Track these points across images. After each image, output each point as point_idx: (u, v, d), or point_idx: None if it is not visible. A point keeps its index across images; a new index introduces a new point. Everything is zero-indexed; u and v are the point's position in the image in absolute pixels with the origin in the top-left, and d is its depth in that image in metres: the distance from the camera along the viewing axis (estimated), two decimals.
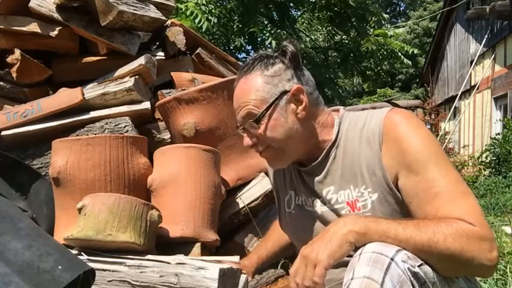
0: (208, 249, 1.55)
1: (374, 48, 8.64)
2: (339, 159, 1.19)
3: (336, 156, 1.19)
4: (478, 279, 1.15)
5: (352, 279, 0.90)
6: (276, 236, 1.44)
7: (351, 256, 0.98)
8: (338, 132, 1.21)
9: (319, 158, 1.21)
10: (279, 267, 1.53)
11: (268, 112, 1.15)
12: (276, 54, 1.21)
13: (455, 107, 10.93)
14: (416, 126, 1.10)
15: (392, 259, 0.90)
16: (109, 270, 1.21)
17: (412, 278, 0.91)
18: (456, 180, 1.04)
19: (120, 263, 1.21)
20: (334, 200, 1.18)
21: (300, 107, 1.18)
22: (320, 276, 0.94)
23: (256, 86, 1.16)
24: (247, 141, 1.21)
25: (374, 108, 1.25)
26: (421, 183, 1.05)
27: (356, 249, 0.96)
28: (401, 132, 1.09)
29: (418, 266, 0.93)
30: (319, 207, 1.22)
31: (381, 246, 0.93)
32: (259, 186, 1.75)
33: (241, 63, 1.73)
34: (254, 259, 1.41)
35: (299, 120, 1.18)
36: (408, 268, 0.91)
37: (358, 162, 1.15)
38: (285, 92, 1.17)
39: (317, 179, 1.22)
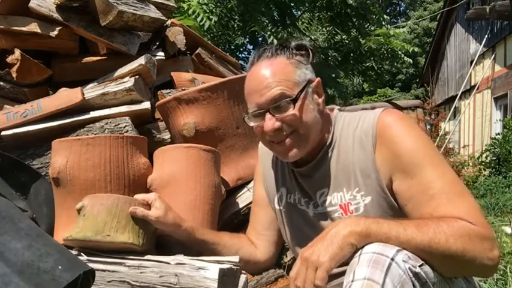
0: None
1: (374, 47, 8.63)
2: (333, 162, 1.18)
3: (331, 159, 1.18)
4: (477, 279, 1.14)
5: (352, 281, 0.89)
6: (228, 235, 1.39)
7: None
8: (333, 134, 1.20)
9: (315, 160, 1.20)
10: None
11: (302, 95, 1.13)
12: (294, 46, 1.19)
13: (455, 107, 10.93)
14: (410, 128, 1.09)
15: (392, 259, 0.89)
16: (108, 271, 1.21)
17: (413, 278, 0.90)
18: (453, 181, 1.03)
19: (120, 264, 1.21)
20: (328, 203, 1.18)
21: (321, 99, 1.18)
22: (322, 280, 0.92)
23: (286, 68, 1.14)
24: (271, 124, 1.12)
25: (374, 108, 1.24)
26: (417, 185, 1.03)
27: (356, 250, 0.95)
28: (394, 134, 1.08)
29: (419, 266, 0.92)
30: (312, 208, 1.21)
31: (381, 246, 0.92)
32: None
33: (241, 63, 1.70)
34: (190, 226, 1.33)
35: (319, 112, 1.18)
36: (409, 268, 0.90)
37: (352, 165, 1.14)
38: (310, 81, 1.16)
39: (311, 180, 1.21)
